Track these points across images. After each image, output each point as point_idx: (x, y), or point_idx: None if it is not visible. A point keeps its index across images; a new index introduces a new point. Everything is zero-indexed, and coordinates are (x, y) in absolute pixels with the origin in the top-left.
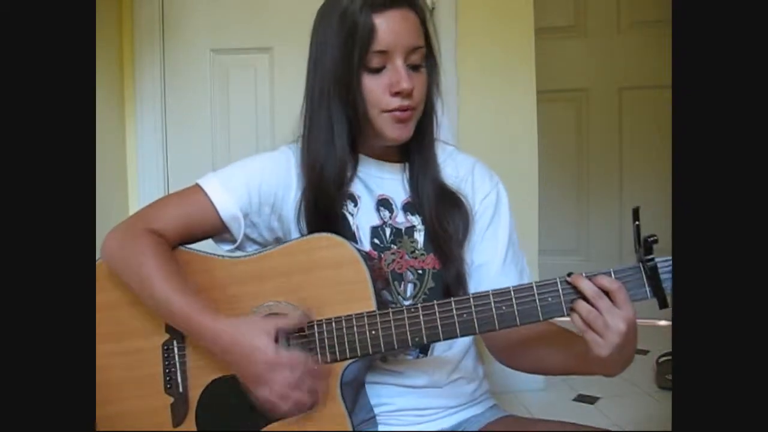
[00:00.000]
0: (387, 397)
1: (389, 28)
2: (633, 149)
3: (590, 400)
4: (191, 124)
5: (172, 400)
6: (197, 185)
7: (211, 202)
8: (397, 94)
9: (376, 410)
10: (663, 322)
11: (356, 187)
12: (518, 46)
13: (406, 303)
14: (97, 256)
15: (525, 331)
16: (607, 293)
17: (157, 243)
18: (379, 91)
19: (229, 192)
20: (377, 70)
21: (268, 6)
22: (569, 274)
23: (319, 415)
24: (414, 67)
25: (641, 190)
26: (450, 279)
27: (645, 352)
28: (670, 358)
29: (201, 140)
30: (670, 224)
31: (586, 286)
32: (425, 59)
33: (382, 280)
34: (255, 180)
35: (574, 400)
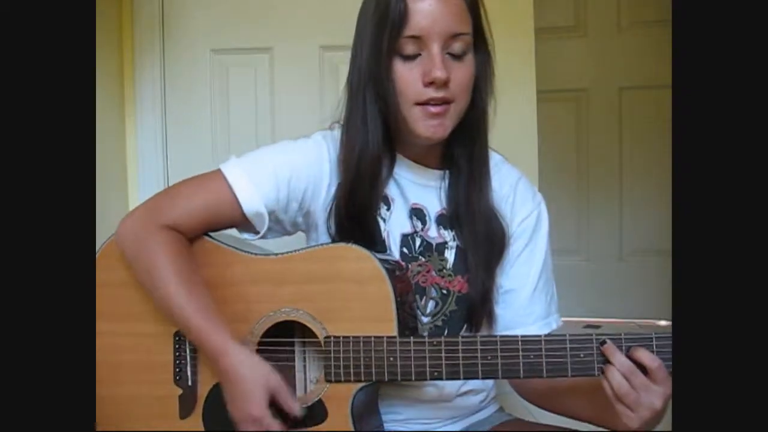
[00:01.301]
0: (395, 407)
1: (425, 11)
2: (633, 149)
3: None
4: (191, 124)
5: (180, 392)
6: (220, 174)
7: (235, 197)
8: (431, 84)
9: (384, 418)
10: (663, 322)
11: (391, 190)
12: (518, 46)
13: (425, 319)
14: (98, 251)
15: (553, 380)
16: (644, 368)
17: (172, 241)
18: (411, 79)
19: (255, 185)
20: (411, 57)
21: (268, 6)
22: (603, 342)
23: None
24: (456, 56)
25: (641, 190)
26: (475, 304)
27: None
28: None
29: (201, 140)
30: (670, 224)
31: (620, 363)
32: (472, 48)
33: (411, 293)
34: (284, 175)
35: None
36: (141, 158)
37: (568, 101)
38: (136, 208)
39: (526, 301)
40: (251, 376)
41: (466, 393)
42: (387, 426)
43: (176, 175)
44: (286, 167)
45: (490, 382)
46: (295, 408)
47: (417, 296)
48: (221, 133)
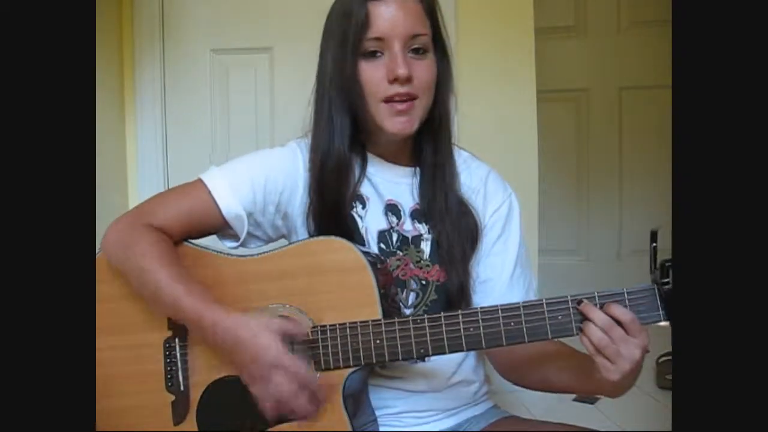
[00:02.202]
0: (387, 400)
1: (385, 15)
2: (633, 149)
3: (590, 400)
4: (191, 124)
5: (173, 398)
6: (200, 181)
7: (214, 201)
8: (395, 80)
9: (377, 413)
10: (663, 322)
11: (365, 189)
12: (518, 46)
13: (407, 311)
14: (98, 248)
15: (531, 349)
16: (619, 322)
17: (158, 239)
18: (376, 78)
19: (233, 190)
20: (374, 57)
21: (268, 6)
22: (579, 302)
23: (320, 423)
24: (418, 55)
25: (641, 190)
26: (453, 293)
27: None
28: (670, 358)
29: (201, 140)
30: (670, 224)
31: (598, 318)
32: (432, 47)
33: (393, 286)
34: (260, 178)
35: (575, 400)
36: (141, 158)
37: (568, 101)
38: (121, 216)
39: (504, 289)
40: (252, 331)
41: (457, 383)
42: (380, 419)
43: (176, 174)
44: (262, 172)
45: (481, 374)
46: (304, 328)
47: (398, 289)
48: (221, 133)
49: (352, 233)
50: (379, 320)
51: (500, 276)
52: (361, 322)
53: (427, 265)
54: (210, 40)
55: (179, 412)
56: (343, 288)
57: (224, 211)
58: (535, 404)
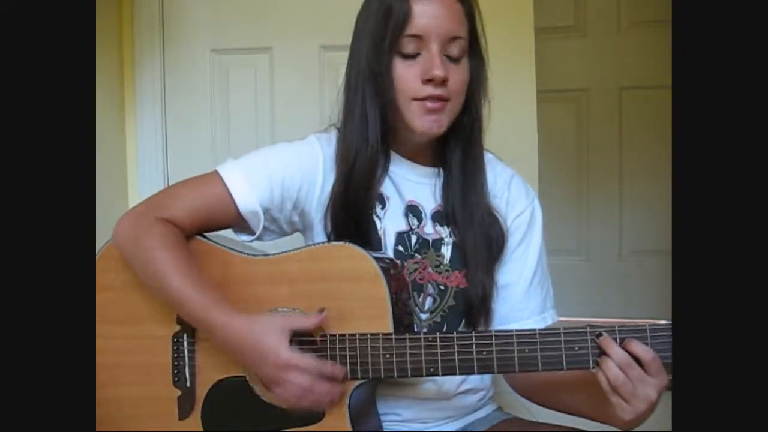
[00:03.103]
0: (394, 407)
1: (426, 12)
2: (633, 149)
3: None
4: (191, 124)
5: (179, 393)
6: (216, 174)
7: (231, 195)
8: (429, 81)
9: (383, 419)
10: (663, 323)
11: (386, 188)
12: (518, 46)
13: (424, 316)
14: (98, 248)
15: (548, 375)
16: (639, 360)
17: (169, 233)
18: (410, 77)
19: (250, 185)
20: (411, 57)
21: (268, 6)
22: (599, 335)
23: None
24: (453, 59)
25: (641, 190)
26: (474, 300)
27: None
28: None
29: (201, 140)
30: (669, 224)
31: (616, 354)
32: (468, 53)
33: (406, 291)
34: (278, 174)
35: None
36: (141, 158)
37: (568, 101)
38: (133, 208)
39: (522, 296)
40: (261, 330)
41: (465, 392)
42: (386, 426)
43: (176, 175)
44: (280, 167)
45: (488, 381)
46: (314, 321)
47: (414, 293)
48: (221, 133)
49: (369, 234)
50: (390, 334)
51: (519, 282)
52: (371, 334)
53: (447, 270)
54: (210, 40)
55: (185, 407)
56: (354, 297)
57: (240, 206)
58: (537, 406)
